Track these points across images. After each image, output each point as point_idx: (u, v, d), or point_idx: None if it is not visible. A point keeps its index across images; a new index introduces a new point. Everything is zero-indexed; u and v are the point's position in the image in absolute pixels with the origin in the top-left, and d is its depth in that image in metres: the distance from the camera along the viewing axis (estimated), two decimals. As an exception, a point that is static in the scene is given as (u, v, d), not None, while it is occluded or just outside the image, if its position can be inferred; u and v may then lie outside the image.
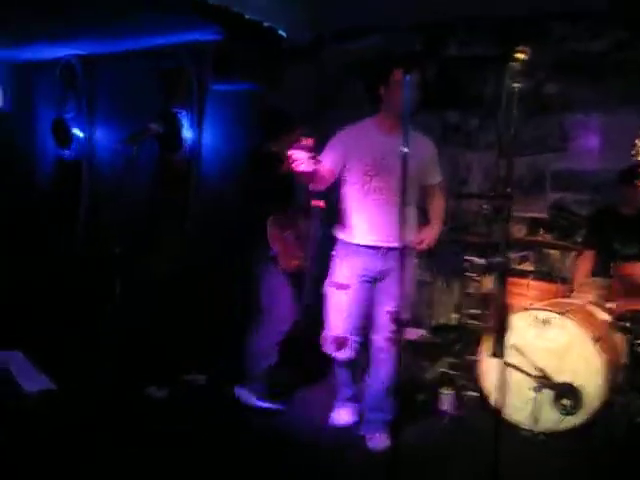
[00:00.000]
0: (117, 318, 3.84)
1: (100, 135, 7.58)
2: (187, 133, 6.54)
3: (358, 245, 3.61)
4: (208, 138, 6.48)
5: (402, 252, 2.91)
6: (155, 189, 6.71)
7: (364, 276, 3.63)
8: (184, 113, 6.54)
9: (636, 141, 2.84)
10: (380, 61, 3.73)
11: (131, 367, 4.14)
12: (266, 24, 5.24)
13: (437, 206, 3.83)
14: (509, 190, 2.34)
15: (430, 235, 3.68)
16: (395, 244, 3.34)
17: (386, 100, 3.51)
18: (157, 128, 4.40)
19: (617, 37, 4.86)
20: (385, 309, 3.60)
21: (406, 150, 2.55)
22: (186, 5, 4.92)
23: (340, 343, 3.67)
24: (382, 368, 3.68)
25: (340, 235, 3.72)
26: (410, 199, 3.47)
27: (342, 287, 3.63)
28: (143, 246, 6.04)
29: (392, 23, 5.33)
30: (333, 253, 3.73)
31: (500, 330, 2.30)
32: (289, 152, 3.00)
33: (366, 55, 5.32)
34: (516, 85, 2.33)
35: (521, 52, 2.36)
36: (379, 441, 3.66)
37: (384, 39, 5.45)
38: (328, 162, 3.49)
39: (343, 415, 3.96)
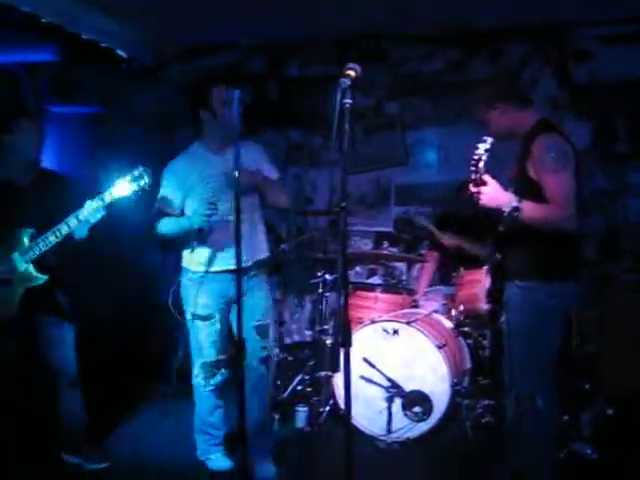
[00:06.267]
0: None
1: None
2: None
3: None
4: (47, 162, 6.16)
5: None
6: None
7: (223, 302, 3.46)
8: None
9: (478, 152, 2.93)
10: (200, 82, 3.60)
11: None
12: (104, 44, 5.07)
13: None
14: (344, 204, 2.34)
15: None
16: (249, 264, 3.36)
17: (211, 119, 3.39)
18: None
19: (450, 58, 5.14)
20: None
21: (237, 174, 2.49)
22: (17, 23, 4.65)
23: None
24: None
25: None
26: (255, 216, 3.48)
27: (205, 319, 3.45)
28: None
29: (234, 43, 5.36)
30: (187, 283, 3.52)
31: (344, 344, 2.30)
32: None
33: (213, 74, 5.28)
34: (347, 101, 2.34)
35: (350, 69, 2.39)
36: (268, 470, 3.41)
37: (227, 58, 5.46)
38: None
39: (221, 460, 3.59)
